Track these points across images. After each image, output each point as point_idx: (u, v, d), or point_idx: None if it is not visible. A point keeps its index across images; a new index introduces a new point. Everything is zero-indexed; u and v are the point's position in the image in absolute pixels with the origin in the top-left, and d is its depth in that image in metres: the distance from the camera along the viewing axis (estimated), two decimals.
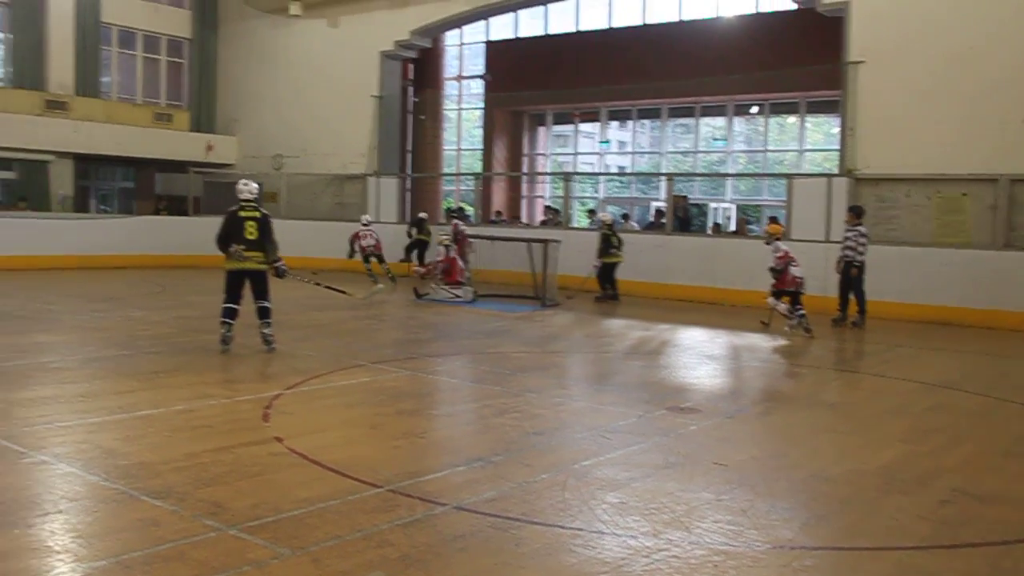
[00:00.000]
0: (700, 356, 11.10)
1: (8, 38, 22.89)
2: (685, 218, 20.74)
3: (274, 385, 8.10)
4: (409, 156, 27.29)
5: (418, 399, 8.22)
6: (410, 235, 21.33)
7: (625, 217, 22.91)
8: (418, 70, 27.07)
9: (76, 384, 8.00)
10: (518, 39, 26.96)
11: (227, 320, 9.92)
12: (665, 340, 12.74)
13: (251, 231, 9.89)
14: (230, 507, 4.74)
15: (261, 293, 10.04)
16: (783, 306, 13.02)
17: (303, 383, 8.26)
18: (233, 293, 9.96)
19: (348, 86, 23.86)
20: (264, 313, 10.05)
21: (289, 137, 25.18)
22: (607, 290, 17.00)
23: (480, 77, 28.08)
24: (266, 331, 10.05)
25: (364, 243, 18.63)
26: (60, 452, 5.71)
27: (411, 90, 27.23)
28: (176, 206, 24.74)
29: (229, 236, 9.91)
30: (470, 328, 13.12)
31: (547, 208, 23.32)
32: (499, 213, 25.08)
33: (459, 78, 28.42)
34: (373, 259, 18.65)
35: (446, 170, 28.00)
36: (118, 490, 4.98)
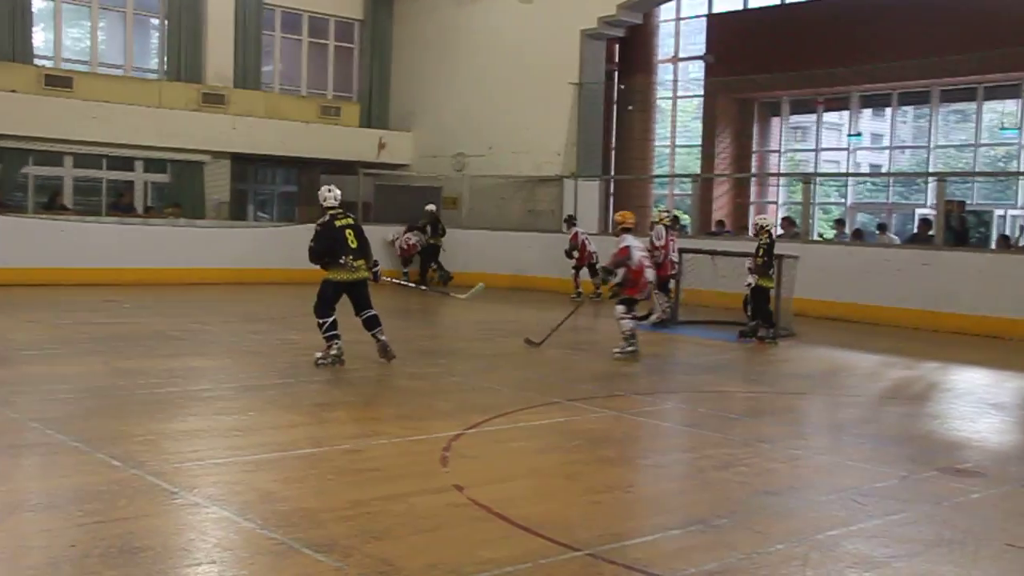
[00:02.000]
0: (982, 404, 10.53)
1: (164, 25, 24.53)
2: (961, 229, 19.82)
3: (452, 423, 8.21)
4: (613, 154, 27.38)
5: (623, 445, 8.18)
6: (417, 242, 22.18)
7: (881, 228, 22.14)
8: (625, 52, 27.19)
9: (230, 416, 8.42)
10: (747, 11, 26.67)
11: (337, 335, 10.88)
12: (934, 382, 12.17)
13: (352, 239, 10.87)
14: (402, 566, 4.83)
15: (367, 302, 11.06)
16: (629, 323, 12.17)
17: (486, 422, 8.35)
18: (333, 305, 10.90)
19: (543, 72, 24.14)
20: (376, 322, 11.06)
21: (473, 133, 25.73)
22: (758, 324, 14.54)
23: (700, 58, 27.93)
24: (384, 338, 11.02)
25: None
26: (213, 493, 5.99)
27: (617, 76, 27.35)
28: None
29: (332, 248, 10.80)
30: (686, 361, 12.97)
31: (785, 220, 22.83)
32: (721, 223, 24.78)
33: (675, 60, 28.37)
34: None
35: (657, 171, 27.93)
36: (276, 540, 5.16)
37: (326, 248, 10.83)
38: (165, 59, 24.57)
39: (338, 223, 10.94)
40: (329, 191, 11.20)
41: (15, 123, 21.26)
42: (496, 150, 25.25)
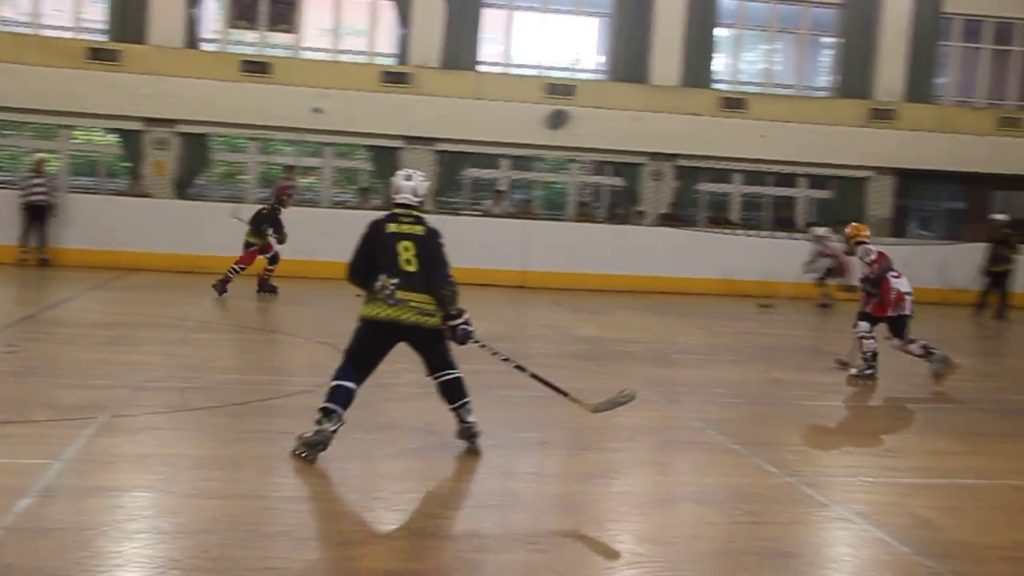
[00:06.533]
0: None
1: (839, 43, 24.64)
2: None
3: None
4: None
5: None
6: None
7: None
8: None
9: (884, 435, 8.40)
10: None
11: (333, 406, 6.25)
12: None
13: (406, 256, 6.40)
14: None
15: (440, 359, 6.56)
16: (918, 345, 10.27)
17: None
18: (362, 357, 6.43)
19: None
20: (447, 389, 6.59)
21: None
22: None
23: None
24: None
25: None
26: (864, 511, 5.86)
27: None
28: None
29: (369, 261, 6.49)
30: None
31: None
32: None
33: None
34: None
35: None
36: (932, 569, 4.94)
37: (364, 258, 6.56)
38: (837, 77, 24.62)
39: (391, 228, 6.43)
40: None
41: (694, 144, 22.61)
42: None
